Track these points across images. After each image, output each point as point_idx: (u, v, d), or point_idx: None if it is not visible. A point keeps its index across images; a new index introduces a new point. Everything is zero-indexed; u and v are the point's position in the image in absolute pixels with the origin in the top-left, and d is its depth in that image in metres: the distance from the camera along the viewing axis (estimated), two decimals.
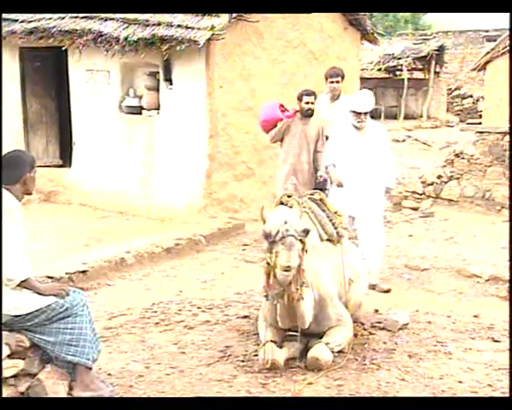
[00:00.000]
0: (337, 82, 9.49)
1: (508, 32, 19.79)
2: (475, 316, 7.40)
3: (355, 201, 8.06)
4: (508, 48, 19.17)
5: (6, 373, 4.97)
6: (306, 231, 5.72)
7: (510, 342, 6.31)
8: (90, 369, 5.35)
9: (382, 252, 8.48)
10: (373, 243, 8.16)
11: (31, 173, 5.27)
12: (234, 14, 10.71)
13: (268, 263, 5.72)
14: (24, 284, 5.09)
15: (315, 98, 9.29)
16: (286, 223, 5.63)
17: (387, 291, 8.12)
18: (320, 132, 9.28)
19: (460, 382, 5.80)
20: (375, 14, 34.86)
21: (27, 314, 5.11)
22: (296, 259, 5.57)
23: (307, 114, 9.23)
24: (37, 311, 5.12)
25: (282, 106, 9.58)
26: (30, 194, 5.42)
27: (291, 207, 6.12)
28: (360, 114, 8.06)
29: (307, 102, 9.19)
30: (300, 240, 5.64)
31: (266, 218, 5.83)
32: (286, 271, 5.56)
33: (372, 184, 8.18)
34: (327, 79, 9.59)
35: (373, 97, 8.36)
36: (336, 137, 8.47)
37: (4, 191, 5.16)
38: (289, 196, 6.31)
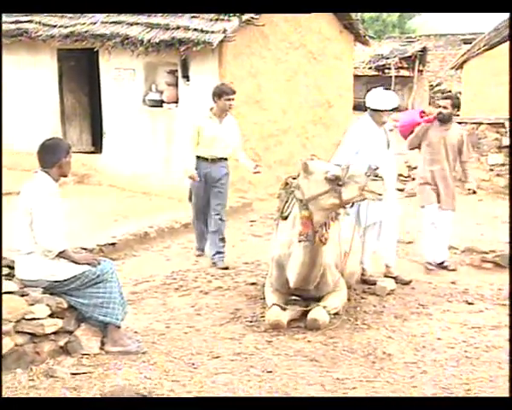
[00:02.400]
0: (233, 99, 7.86)
1: (481, 36, 19.68)
2: (452, 282, 7.42)
3: (384, 204, 6.74)
4: (482, 49, 19.06)
5: (47, 330, 5.02)
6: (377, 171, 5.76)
7: (510, 335, 5.78)
8: (119, 327, 5.38)
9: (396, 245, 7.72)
10: (390, 239, 7.42)
11: (66, 158, 5.28)
12: (243, 19, 10.68)
13: (307, 208, 5.82)
14: (61, 255, 5.13)
15: (451, 103, 7.75)
16: (348, 167, 5.74)
17: (409, 283, 7.29)
18: (463, 140, 7.80)
19: (439, 339, 5.83)
20: (366, 19, 34.68)
21: (65, 280, 5.14)
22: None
23: (438, 118, 7.73)
24: (73, 277, 5.15)
25: (423, 112, 8.21)
26: (66, 176, 5.43)
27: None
28: (383, 111, 7.02)
29: (438, 106, 7.86)
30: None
31: (313, 169, 5.84)
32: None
33: (393, 185, 7.29)
34: (221, 96, 7.75)
35: (396, 96, 7.30)
36: (355, 138, 7.15)
37: (43, 174, 5.19)
38: (294, 178, 6.30)
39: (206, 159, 7.90)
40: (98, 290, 5.27)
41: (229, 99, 7.77)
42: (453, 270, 7.80)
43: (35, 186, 5.16)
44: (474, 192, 8.03)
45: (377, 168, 5.67)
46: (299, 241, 5.91)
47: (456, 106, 7.98)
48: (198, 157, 7.92)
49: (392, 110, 7.12)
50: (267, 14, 11.22)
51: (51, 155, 5.23)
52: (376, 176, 5.63)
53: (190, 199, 8.30)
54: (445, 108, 7.69)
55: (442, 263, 7.87)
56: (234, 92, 7.85)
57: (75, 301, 5.24)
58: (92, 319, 5.32)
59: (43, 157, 5.25)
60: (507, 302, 6.75)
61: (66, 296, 5.22)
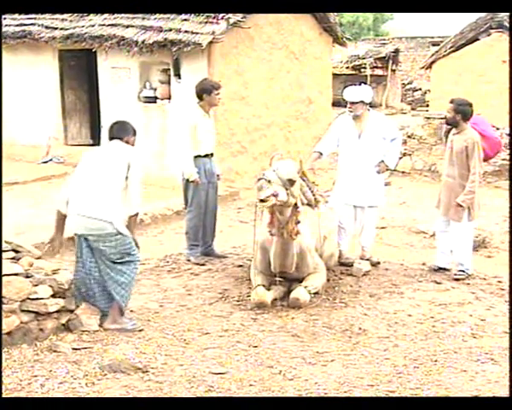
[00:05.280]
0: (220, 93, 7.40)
1: (448, 38, 19.74)
2: (422, 264, 7.44)
3: (356, 190, 7.09)
4: (448, 51, 19.12)
5: (50, 309, 5.03)
6: (290, 181, 5.74)
7: (511, 340, 5.35)
8: (121, 311, 5.37)
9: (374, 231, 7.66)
10: (369, 226, 7.34)
11: (133, 138, 5.53)
12: (231, 22, 10.65)
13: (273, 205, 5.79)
14: (134, 217, 5.33)
15: (453, 108, 6.71)
16: (274, 171, 5.66)
17: (376, 264, 7.27)
18: (470, 148, 6.64)
19: (409, 315, 5.86)
20: (343, 22, 34.63)
21: (116, 234, 5.19)
22: (264, 194, 5.55)
23: (447, 123, 6.97)
24: (120, 233, 5.22)
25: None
26: None
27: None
28: (352, 103, 6.99)
29: (448, 111, 6.83)
30: (285, 187, 5.68)
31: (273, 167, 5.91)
32: (261, 202, 5.63)
33: (371, 173, 7.11)
34: (211, 91, 7.21)
35: (368, 90, 7.12)
36: (334, 128, 7.36)
37: (120, 141, 5.39)
38: None
39: (207, 155, 7.39)
40: (125, 270, 5.28)
41: (218, 93, 7.30)
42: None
43: (127, 150, 5.34)
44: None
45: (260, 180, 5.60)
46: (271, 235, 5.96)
47: (460, 112, 6.71)
48: (199, 156, 7.30)
49: (360, 102, 7.01)
50: (253, 17, 11.19)
51: (123, 131, 5.47)
52: (259, 185, 5.60)
53: (186, 205, 7.58)
54: (448, 112, 6.82)
55: (446, 270, 7.09)
56: (221, 86, 7.46)
57: (104, 265, 5.25)
58: (105, 293, 5.32)
59: (116, 130, 5.47)
60: (470, 281, 6.80)
61: (100, 263, 5.24)
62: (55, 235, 5.47)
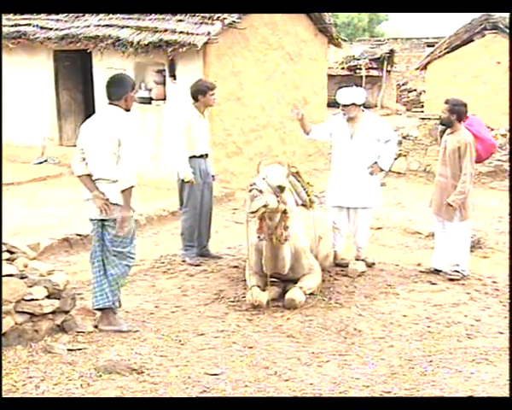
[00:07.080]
0: (215, 94, 7.33)
1: (443, 39, 19.81)
2: (418, 264, 7.44)
3: (348, 192, 7.04)
4: (443, 51, 19.18)
5: (45, 310, 5.01)
6: (280, 187, 5.74)
7: (510, 341, 5.37)
8: (114, 312, 5.36)
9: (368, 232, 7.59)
10: (363, 227, 7.27)
11: (132, 93, 5.19)
12: (226, 23, 10.66)
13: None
14: (129, 190, 5.09)
15: (448, 108, 6.70)
16: (264, 179, 5.66)
17: (371, 265, 7.24)
18: (462, 148, 6.65)
19: (404, 316, 5.87)
20: (338, 23, 34.70)
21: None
22: (256, 206, 5.55)
23: (442, 123, 6.97)
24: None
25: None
26: (129, 110, 5.22)
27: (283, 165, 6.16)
28: (344, 105, 6.95)
29: (443, 111, 6.81)
30: (275, 194, 5.68)
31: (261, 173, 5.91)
32: (252, 213, 5.63)
33: (364, 175, 7.06)
34: (206, 92, 7.18)
35: (361, 92, 7.05)
36: (328, 122, 7.36)
37: (114, 107, 5.11)
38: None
39: (202, 155, 7.36)
40: (117, 263, 5.26)
41: (213, 94, 7.27)
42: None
43: (119, 117, 5.07)
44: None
45: (251, 190, 5.60)
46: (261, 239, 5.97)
47: (455, 113, 6.72)
48: (194, 156, 7.27)
49: (352, 105, 6.95)
50: (248, 18, 11.20)
51: (118, 89, 5.13)
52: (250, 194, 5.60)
53: (181, 206, 7.57)
54: (443, 112, 6.80)
55: (438, 271, 7.05)
56: (215, 87, 7.37)
57: (107, 254, 5.24)
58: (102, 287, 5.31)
59: (112, 90, 5.14)
60: (465, 282, 6.81)
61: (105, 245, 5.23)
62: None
